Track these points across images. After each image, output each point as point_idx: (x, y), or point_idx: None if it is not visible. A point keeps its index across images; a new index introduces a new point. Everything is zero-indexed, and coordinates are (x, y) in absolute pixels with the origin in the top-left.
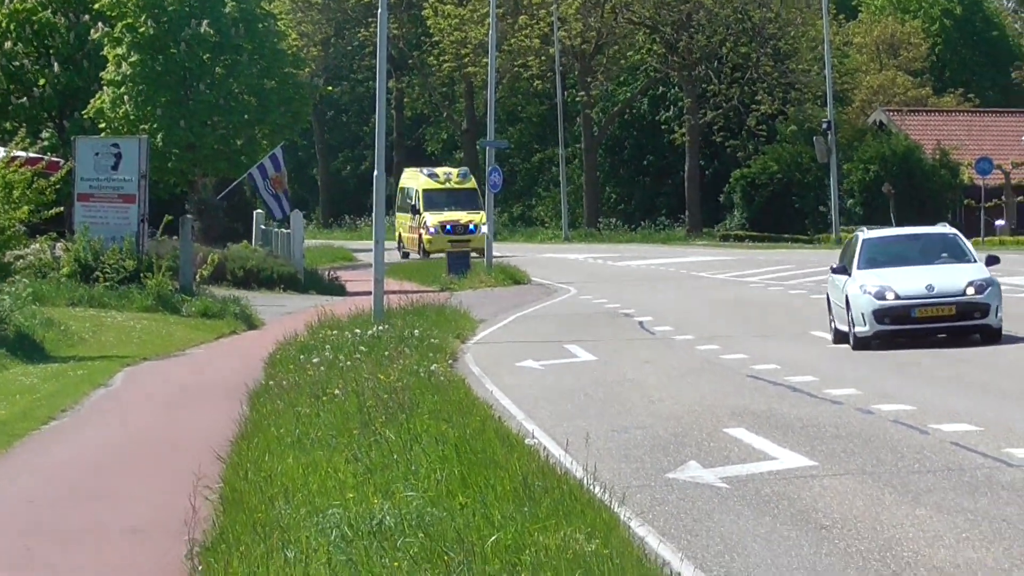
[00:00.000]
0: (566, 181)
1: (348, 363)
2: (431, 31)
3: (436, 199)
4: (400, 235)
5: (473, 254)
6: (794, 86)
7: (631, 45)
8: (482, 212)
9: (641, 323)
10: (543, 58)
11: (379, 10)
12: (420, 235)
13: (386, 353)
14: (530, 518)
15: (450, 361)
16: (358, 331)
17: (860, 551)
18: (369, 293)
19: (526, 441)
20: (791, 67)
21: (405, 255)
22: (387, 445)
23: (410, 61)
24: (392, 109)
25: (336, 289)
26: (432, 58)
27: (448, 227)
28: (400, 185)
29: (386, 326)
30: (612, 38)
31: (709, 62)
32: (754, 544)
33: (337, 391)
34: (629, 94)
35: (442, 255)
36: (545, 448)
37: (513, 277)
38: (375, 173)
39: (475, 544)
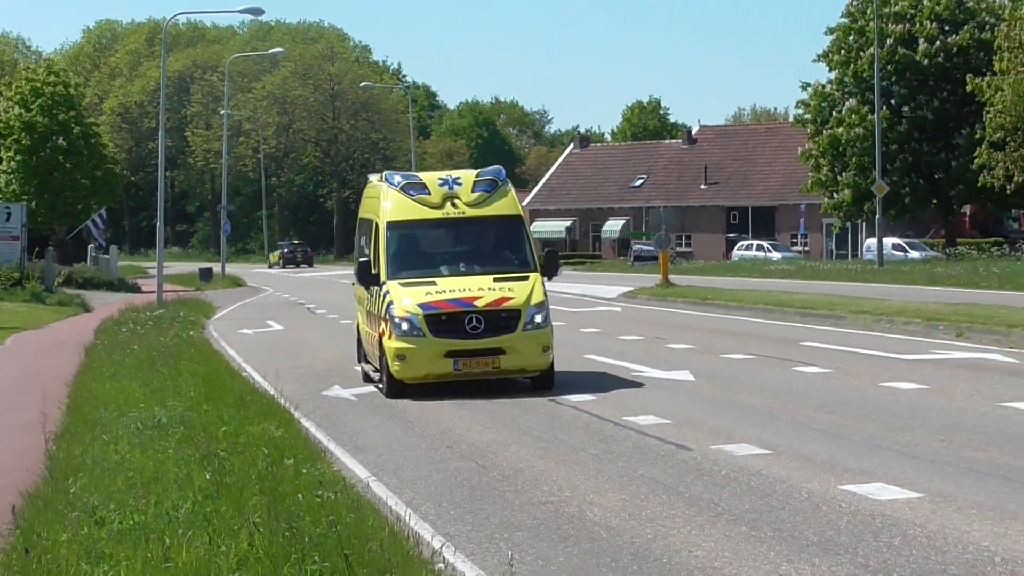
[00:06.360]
0: (268, 230)
1: (142, 331)
2: (190, 143)
3: (419, 241)
4: (359, 328)
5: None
6: None
7: (304, 152)
8: (533, 275)
9: (309, 308)
10: (254, 160)
11: (159, 131)
12: (381, 338)
13: (164, 326)
14: (244, 417)
15: (201, 330)
16: (148, 313)
17: (429, 433)
18: (154, 292)
19: (243, 374)
20: (392, 167)
21: (366, 378)
22: (164, 377)
23: (179, 160)
24: (168, 188)
25: (136, 290)
26: (191, 158)
27: (445, 315)
28: (360, 215)
29: (164, 311)
30: (293, 147)
31: (347, 163)
32: (369, 430)
33: (135, 347)
34: (303, 180)
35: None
36: (253, 378)
37: (237, 283)
38: (157, 223)
39: (213, 432)
